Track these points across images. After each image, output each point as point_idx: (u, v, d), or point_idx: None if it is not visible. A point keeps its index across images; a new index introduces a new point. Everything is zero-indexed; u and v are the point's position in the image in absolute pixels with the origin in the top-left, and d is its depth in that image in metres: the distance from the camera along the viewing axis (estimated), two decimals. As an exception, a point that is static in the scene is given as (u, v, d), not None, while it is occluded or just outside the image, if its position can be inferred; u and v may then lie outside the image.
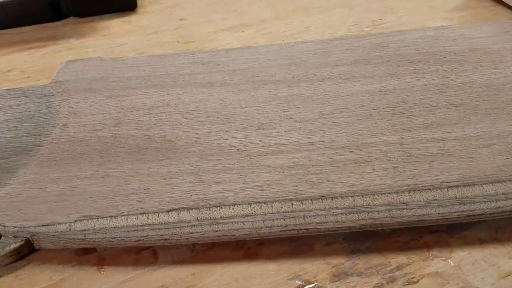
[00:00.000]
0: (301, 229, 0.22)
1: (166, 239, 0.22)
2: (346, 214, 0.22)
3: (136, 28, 0.45)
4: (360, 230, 0.23)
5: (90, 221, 0.23)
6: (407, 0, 0.45)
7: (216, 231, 0.22)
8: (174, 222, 0.22)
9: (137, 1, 0.49)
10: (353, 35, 0.39)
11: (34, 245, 0.23)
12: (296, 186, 0.23)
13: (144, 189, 0.24)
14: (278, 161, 0.25)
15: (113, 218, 0.23)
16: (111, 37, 0.43)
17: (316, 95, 0.30)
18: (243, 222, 0.22)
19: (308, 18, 0.44)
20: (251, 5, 0.47)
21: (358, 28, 0.41)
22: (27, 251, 0.23)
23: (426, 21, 0.42)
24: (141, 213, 0.23)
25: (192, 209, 0.23)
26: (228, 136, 0.27)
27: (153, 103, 0.31)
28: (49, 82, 0.34)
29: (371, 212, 0.22)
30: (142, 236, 0.22)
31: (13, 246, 0.22)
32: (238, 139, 0.27)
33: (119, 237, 0.22)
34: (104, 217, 0.23)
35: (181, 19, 0.46)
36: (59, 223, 0.22)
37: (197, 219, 0.22)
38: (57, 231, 0.22)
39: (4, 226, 0.23)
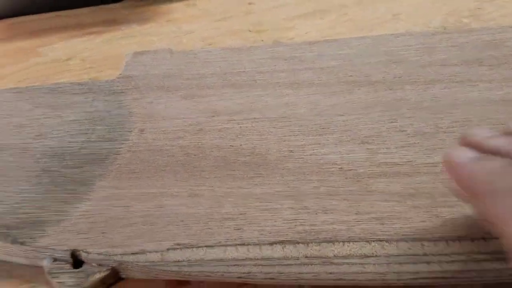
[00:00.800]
0: (437, 277, 0.18)
1: (272, 278, 0.19)
2: (491, 261, 0.18)
3: (202, 13, 0.41)
4: (510, 281, 0.19)
5: (184, 251, 0.20)
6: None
7: (331, 273, 0.19)
8: (279, 258, 0.19)
9: (200, -18, 0.45)
10: (455, 29, 0.34)
11: (121, 274, 0.20)
12: (425, 222, 0.20)
13: (240, 214, 0.21)
14: (394, 187, 0.21)
15: (209, 248, 0.20)
16: (176, 23, 0.40)
17: (426, 101, 0.26)
18: (362, 264, 0.19)
19: (395, 4, 0.39)
20: None
21: (455, 19, 0.36)
22: (113, 280, 0.21)
23: (535, 11, 0.37)
24: (240, 244, 0.20)
25: (298, 243, 0.20)
26: (327, 151, 0.24)
27: (234, 107, 0.27)
28: (116, 76, 0.31)
29: (520, 258, 0.18)
30: (244, 273, 0.19)
31: (98, 276, 0.20)
32: (339, 155, 0.24)
33: (218, 271, 0.19)
34: (200, 247, 0.20)
35: (250, 3, 0.42)
36: (149, 252, 0.20)
37: (306, 257, 0.19)
38: (148, 261, 0.20)
39: (87, 252, 0.20)
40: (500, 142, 0.17)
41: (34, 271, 0.22)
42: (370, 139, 0.24)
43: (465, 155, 0.17)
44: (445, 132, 0.24)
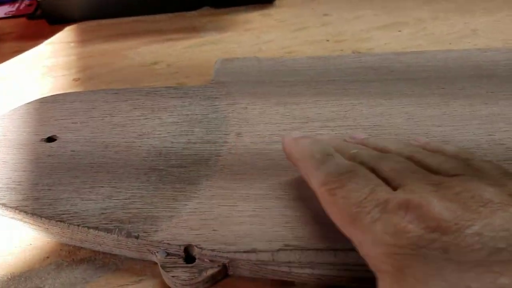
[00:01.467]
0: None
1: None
2: None
3: (278, 23, 0.42)
4: None
5: (294, 252, 0.20)
6: None
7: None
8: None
9: (275, -7, 0.46)
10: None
11: (229, 271, 0.21)
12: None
13: (346, 218, 0.22)
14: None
15: (319, 251, 0.20)
16: (254, 32, 0.41)
17: (527, 116, 0.26)
18: None
19: (472, 20, 0.39)
20: (402, 1, 0.43)
21: (538, 35, 0.36)
22: (220, 277, 0.21)
23: None
24: (350, 249, 0.20)
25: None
26: (428, 161, 0.24)
27: (327, 114, 0.28)
28: (203, 82, 0.33)
29: None
30: (354, 277, 0.20)
31: (211, 271, 0.21)
32: (440, 165, 0.24)
33: (329, 275, 0.20)
34: (310, 250, 0.20)
35: (325, 14, 0.43)
36: (261, 251, 0.20)
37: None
38: (259, 260, 0.20)
39: (201, 248, 0.21)
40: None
41: (142, 265, 0.23)
42: (472, 150, 0.24)
43: (296, 133, 0.23)
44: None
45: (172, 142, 0.27)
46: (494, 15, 0.39)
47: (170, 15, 0.46)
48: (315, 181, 0.19)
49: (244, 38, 0.41)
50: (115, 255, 0.23)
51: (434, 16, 0.40)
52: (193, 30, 0.43)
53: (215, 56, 0.37)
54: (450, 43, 0.36)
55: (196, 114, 0.29)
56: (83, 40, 0.42)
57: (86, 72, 0.39)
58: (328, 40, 0.39)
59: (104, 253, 0.23)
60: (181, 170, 0.25)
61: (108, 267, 0.23)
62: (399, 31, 0.39)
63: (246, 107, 0.29)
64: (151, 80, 0.37)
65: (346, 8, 0.43)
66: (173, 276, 0.21)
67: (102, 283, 0.22)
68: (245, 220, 0.22)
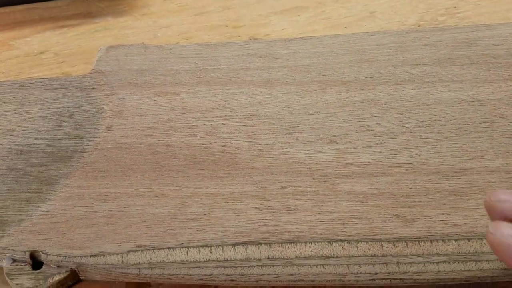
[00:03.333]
0: (394, 278, 0.19)
1: (232, 280, 0.19)
2: (449, 262, 0.19)
3: (179, 7, 0.40)
4: (466, 282, 0.19)
5: (145, 253, 0.19)
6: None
7: (291, 275, 0.19)
8: (241, 260, 0.19)
9: (179, -25, 0.44)
10: (429, 27, 0.34)
11: (80, 275, 0.20)
12: (385, 222, 0.20)
13: (205, 214, 0.21)
14: (358, 187, 0.21)
15: (171, 250, 0.19)
16: (152, 17, 0.39)
17: (396, 101, 0.26)
18: (323, 265, 0.19)
19: (371, 2, 0.39)
20: None
21: (431, 17, 0.36)
22: (71, 282, 0.20)
23: (510, 11, 0.37)
24: (203, 246, 0.20)
25: (261, 244, 0.20)
26: (296, 150, 0.24)
27: (206, 104, 0.27)
28: (88, 71, 0.31)
29: (479, 261, 0.19)
30: (205, 275, 0.19)
31: (57, 278, 0.20)
32: (307, 155, 0.23)
33: (179, 274, 0.19)
34: (162, 249, 0.20)
35: (227, -2, 0.41)
36: (109, 254, 0.19)
37: (268, 258, 0.19)
38: (108, 263, 0.19)
39: (47, 254, 0.20)
40: None
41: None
42: (338, 138, 0.24)
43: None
44: (411, 132, 0.24)
45: (36, 139, 0.25)
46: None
47: (67, 1, 0.43)
48: None
49: (140, 24, 0.39)
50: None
51: (335, -1, 0.40)
52: (89, 15, 0.40)
53: (106, 43, 0.35)
54: (345, 27, 0.36)
55: (68, 107, 0.28)
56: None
57: (-33, 63, 0.36)
58: (226, 26, 0.38)
59: None
60: (40, 169, 0.24)
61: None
62: (298, 15, 0.38)
63: (124, 98, 0.28)
64: (34, 71, 0.34)
65: (249, -8, 0.42)
66: (17, 284, 0.20)
67: None
68: (99, 222, 0.21)
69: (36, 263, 0.20)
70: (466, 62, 0.28)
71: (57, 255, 0.20)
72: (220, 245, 0.20)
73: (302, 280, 0.19)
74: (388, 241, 0.19)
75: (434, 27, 0.33)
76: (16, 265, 0.20)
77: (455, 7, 0.37)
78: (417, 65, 0.29)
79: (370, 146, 0.24)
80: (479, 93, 0.26)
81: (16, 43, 0.38)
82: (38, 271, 0.20)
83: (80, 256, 0.20)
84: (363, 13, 0.38)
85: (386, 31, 0.33)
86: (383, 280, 0.19)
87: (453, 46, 0.30)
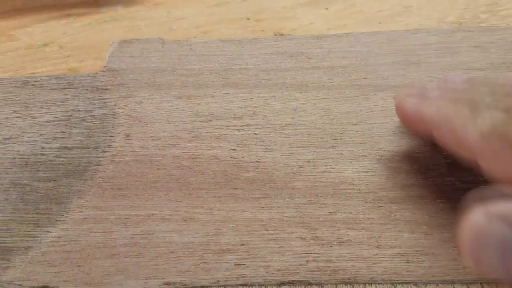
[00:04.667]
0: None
1: (279, 326, 0.16)
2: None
3: (195, -4, 0.37)
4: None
5: (175, 293, 0.17)
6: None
7: (349, 321, 0.16)
8: (288, 302, 0.16)
9: (194, -38, 0.40)
10: (475, 26, 0.31)
11: (98, 315, 0.17)
12: (456, 259, 0.17)
13: (242, 244, 0.18)
14: (420, 215, 0.19)
15: (205, 289, 0.17)
16: (165, 7, 0.36)
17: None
18: (386, 311, 0.16)
19: (407, -5, 0.35)
20: None
21: (472, 14, 0.33)
22: (89, 323, 0.17)
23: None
24: (242, 285, 0.17)
25: (312, 284, 0.17)
26: (342, 168, 0.21)
27: (235, 110, 0.24)
28: (98, 67, 0.28)
29: None
30: (246, 320, 0.16)
31: (72, 319, 0.17)
32: (355, 173, 0.21)
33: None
34: (195, 287, 0.17)
35: (247, -12, 0.38)
36: (134, 293, 0.17)
37: (320, 300, 0.16)
38: (132, 304, 0.17)
39: (60, 290, 0.17)
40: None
41: None
42: (389, 155, 0.21)
43: (411, 99, 0.20)
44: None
45: (43, 148, 0.22)
46: (428, -8, 0.36)
47: None
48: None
49: (153, 14, 0.35)
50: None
51: (366, -9, 0.37)
52: (96, 4, 0.37)
53: (116, 36, 0.32)
54: (380, 22, 0.33)
55: (79, 111, 0.24)
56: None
57: (-37, 55, 0.33)
58: (248, 19, 0.35)
59: None
60: (49, 185, 0.21)
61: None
62: (326, 8, 0.35)
63: (142, 101, 0.25)
64: (37, 66, 0.31)
65: (271, -19, 0.39)
66: (25, 326, 0.17)
67: None
68: (119, 251, 0.18)
69: (46, 300, 0.17)
70: (523, 67, 0.26)
71: (73, 293, 0.17)
72: (263, 285, 0.17)
73: (361, 329, 0.16)
74: (461, 284, 0.16)
75: (481, 27, 0.30)
76: (24, 303, 0.17)
77: (497, 3, 0.34)
78: (469, 69, 0.26)
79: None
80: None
81: (16, 34, 0.35)
82: (49, 311, 0.17)
83: (99, 295, 0.17)
84: (397, 7, 0.34)
85: (429, 29, 0.30)
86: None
87: (506, 49, 0.27)
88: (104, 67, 0.27)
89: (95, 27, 0.34)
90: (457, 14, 0.34)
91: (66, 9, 0.37)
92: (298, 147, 0.22)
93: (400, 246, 0.18)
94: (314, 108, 0.24)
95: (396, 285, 0.16)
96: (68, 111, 0.24)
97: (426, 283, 0.16)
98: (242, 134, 0.23)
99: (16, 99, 0.25)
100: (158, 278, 0.17)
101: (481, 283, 0.16)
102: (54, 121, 0.24)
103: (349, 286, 0.17)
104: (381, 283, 0.16)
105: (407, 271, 0.17)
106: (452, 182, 0.20)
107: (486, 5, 0.35)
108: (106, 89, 0.26)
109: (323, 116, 0.24)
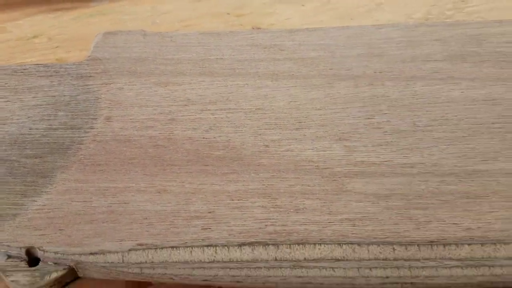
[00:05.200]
0: (405, 282, 0.18)
1: (238, 281, 0.18)
2: (462, 267, 0.18)
3: (179, -7, 0.39)
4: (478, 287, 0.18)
5: (147, 252, 0.19)
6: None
7: (300, 277, 0.18)
8: (248, 261, 0.18)
9: (179, -40, 0.42)
10: (439, 22, 0.33)
11: (78, 273, 0.19)
12: (397, 224, 0.19)
13: (209, 212, 0.20)
14: (370, 187, 0.21)
15: (174, 249, 0.19)
16: (150, 2, 0.38)
17: (406, 98, 0.25)
18: (332, 268, 0.18)
19: (379, -6, 0.38)
20: None
21: (438, 11, 0.35)
22: (69, 280, 0.19)
23: (520, 7, 0.36)
24: (207, 245, 0.19)
25: (268, 244, 0.19)
26: (304, 147, 0.23)
27: (210, 96, 0.26)
28: (85, 58, 0.30)
29: (492, 266, 0.18)
30: (210, 276, 0.18)
31: (55, 275, 0.19)
32: (315, 152, 0.23)
33: (182, 274, 0.18)
34: (164, 248, 0.19)
35: (230, -15, 0.40)
36: (110, 252, 0.19)
37: (276, 259, 0.18)
38: (108, 262, 0.19)
39: (44, 250, 0.19)
40: None
41: None
42: (347, 136, 0.23)
43: None
44: (422, 131, 0.23)
45: (31, 129, 0.24)
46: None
47: None
48: None
49: (137, 9, 0.37)
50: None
51: (341, -11, 0.39)
52: (84, -1, 0.39)
53: (103, 29, 0.34)
54: (351, 18, 0.35)
55: (64, 96, 0.26)
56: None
57: (-45, 46, 0.35)
58: (229, 14, 0.37)
59: None
60: (36, 161, 0.23)
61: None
62: (303, 5, 0.37)
63: (123, 88, 0.27)
64: (26, 56, 0.33)
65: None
66: (12, 281, 0.19)
67: None
68: (98, 218, 0.20)
69: (32, 259, 0.19)
70: (477, 59, 0.28)
71: (55, 252, 0.19)
72: (225, 245, 0.19)
73: (311, 283, 0.18)
74: (400, 244, 0.18)
75: (444, 22, 0.32)
76: (12, 261, 0.19)
77: (463, 1, 0.37)
78: (428, 61, 0.28)
79: (381, 145, 0.23)
80: (492, 92, 0.25)
81: (7, 26, 0.36)
82: (34, 268, 0.19)
83: (78, 254, 0.19)
84: (370, 4, 0.37)
85: (395, 24, 0.32)
86: (394, 285, 0.18)
87: (464, 42, 0.29)
88: (89, 56, 0.29)
89: (82, 20, 0.36)
90: (425, 11, 0.36)
91: (54, 3, 0.38)
92: (266, 129, 0.24)
93: (349, 212, 0.20)
94: (283, 95, 0.26)
95: (342, 245, 0.19)
96: (54, 96, 0.26)
97: (368, 244, 0.19)
98: (215, 118, 0.25)
99: (6, 85, 0.27)
100: (132, 240, 0.19)
101: (417, 245, 0.18)
102: (41, 105, 0.26)
103: (301, 246, 0.19)
104: (329, 244, 0.19)
105: (353, 233, 0.19)
106: (399, 162, 0.22)
107: (452, 3, 0.37)
108: (90, 76, 0.28)
109: (290, 102, 0.26)
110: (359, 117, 0.24)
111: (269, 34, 0.31)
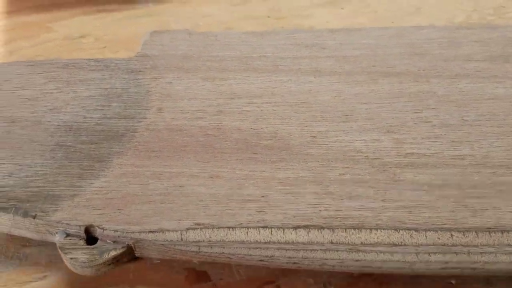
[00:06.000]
0: (465, 268, 0.18)
1: (295, 263, 0.19)
2: (521, 254, 0.18)
3: (219, -3, 0.40)
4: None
5: (204, 231, 0.19)
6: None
7: (357, 260, 0.18)
8: (303, 243, 0.19)
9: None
10: (479, 24, 0.33)
11: (135, 252, 0.20)
12: (453, 212, 0.19)
13: (262, 196, 0.20)
14: (422, 177, 0.21)
15: (231, 229, 0.19)
16: (192, 5, 0.39)
17: (452, 94, 0.26)
18: (390, 253, 0.18)
19: (418, -2, 0.38)
20: None
21: (479, 16, 0.36)
22: (127, 259, 0.20)
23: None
24: (263, 227, 0.19)
25: (324, 228, 0.19)
26: (351, 139, 0.23)
27: (255, 91, 0.27)
28: (133, 55, 0.31)
29: (552, 254, 0.18)
30: (266, 256, 0.19)
31: (113, 253, 0.19)
32: (364, 143, 0.23)
33: (239, 254, 0.19)
34: (221, 228, 0.19)
35: (267, -10, 0.41)
36: (168, 231, 0.19)
37: (332, 242, 0.19)
38: (167, 240, 0.19)
39: (103, 229, 0.19)
40: None
41: (47, 260, 0.22)
42: (395, 129, 0.24)
43: None
44: (471, 125, 0.23)
45: (85, 117, 0.25)
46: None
47: None
48: None
49: (181, 12, 0.38)
50: (18, 249, 0.22)
51: (378, -7, 0.40)
52: (129, 1, 0.40)
53: (147, 30, 0.35)
54: (392, 22, 0.36)
55: (116, 88, 0.27)
56: (8, 11, 0.39)
57: (6, 46, 0.36)
58: (269, 16, 0.38)
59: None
60: (91, 147, 0.23)
61: (9, 263, 0.22)
62: (342, 8, 0.38)
63: (171, 82, 0.28)
64: (75, 55, 0.34)
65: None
66: (71, 258, 0.19)
67: (1, 281, 0.21)
68: (155, 199, 0.20)
69: (90, 238, 0.20)
70: (520, 59, 0.28)
71: (114, 230, 0.19)
72: (281, 227, 0.19)
73: (369, 267, 0.18)
74: (458, 231, 0.18)
75: (484, 25, 0.33)
76: (70, 239, 0.20)
77: (504, 6, 0.37)
78: (470, 60, 0.28)
79: (430, 138, 0.23)
80: (538, 90, 0.25)
81: (54, 26, 0.38)
82: (93, 246, 0.19)
83: (138, 232, 0.19)
84: (409, 8, 0.37)
85: (435, 26, 0.32)
86: (454, 270, 0.18)
87: (504, 44, 0.29)
88: (138, 53, 0.30)
89: (128, 22, 0.38)
90: (465, 15, 0.36)
91: (100, 5, 0.40)
92: (312, 121, 0.24)
93: (403, 200, 0.20)
94: (327, 90, 0.27)
95: (399, 230, 0.19)
96: (106, 88, 0.27)
97: (426, 230, 0.19)
98: (261, 110, 0.25)
99: (59, 77, 0.28)
100: (189, 220, 0.19)
101: (475, 231, 0.18)
102: (94, 96, 0.27)
103: (357, 230, 0.19)
104: (386, 229, 0.19)
105: (409, 219, 0.19)
106: (450, 154, 0.22)
107: (493, 8, 0.37)
108: (140, 71, 0.29)
109: (335, 96, 0.26)
110: (407, 111, 0.25)
111: (310, 34, 0.32)
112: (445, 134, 0.23)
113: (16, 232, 0.21)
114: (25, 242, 0.23)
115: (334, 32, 0.32)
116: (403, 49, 0.29)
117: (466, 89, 0.26)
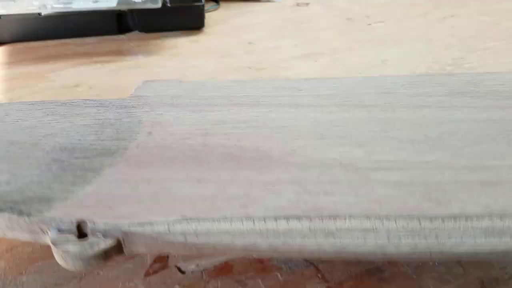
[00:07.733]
0: (434, 251, 0.19)
1: (275, 249, 0.20)
2: (485, 237, 0.19)
3: (205, 49, 0.45)
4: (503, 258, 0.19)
5: (191, 222, 0.20)
6: (489, 38, 0.45)
7: (333, 245, 0.19)
8: (283, 230, 0.20)
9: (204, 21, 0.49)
10: (439, 73, 0.38)
11: (124, 248, 0.20)
12: (420, 204, 0.21)
13: (245, 194, 0.22)
14: (391, 177, 0.23)
15: (215, 221, 0.20)
16: (180, 57, 0.43)
17: (416, 119, 0.28)
18: (364, 237, 0.19)
19: (384, 51, 0.43)
20: (321, 32, 0.48)
21: (439, 66, 0.40)
22: (115, 254, 0.20)
23: (514, 64, 0.41)
24: (246, 218, 0.20)
25: (302, 217, 0.20)
26: (327, 151, 0.25)
27: (239, 118, 0.29)
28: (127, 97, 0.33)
29: (513, 235, 0.19)
30: (250, 244, 0.20)
31: (103, 246, 0.20)
32: (338, 154, 0.25)
33: (224, 243, 0.20)
34: (207, 220, 0.20)
35: (250, 43, 0.46)
36: (156, 223, 0.20)
37: (309, 229, 0.20)
38: (155, 231, 0.20)
39: (94, 223, 0.20)
40: None
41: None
42: (366, 143, 0.26)
43: None
44: (434, 140, 0.26)
45: (80, 140, 0.27)
46: (403, 47, 0.44)
47: (99, 38, 0.48)
48: None
49: (169, 63, 0.42)
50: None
51: (349, 46, 0.44)
52: (120, 53, 0.44)
53: (138, 79, 0.38)
54: (360, 73, 0.40)
55: (110, 119, 0.30)
56: (9, 62, 0.42)
57: (7, 94, 0.39)
58: (250, 68, 0.42)
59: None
60: (85, 161, 0.25)
61: None
62: (315, 61, 0.42)
63: (162, 113, 0.30)
64: (72, 100, 0.37)
65: (270, 38, 0.47)
66: (63, 251, 0.20)
67: None
68: (145, 199, 0.22)
69: (82, 233, 0.20)
70: (475, 95, 0.31)
71: (104, 224, 0.20)
72: (262, 218, 0.20)
73: (345, 252, 0.19)
74: (425, 218, 0.20)
75: (442, 73, 0.37)
76: (62, 234, 0.20)
77: (462, 58, 0.42)
78: (431, 96, 0.32)
79: (397, 149, 0.25)
80: (492, 115, 0.29)
81: (51, 76, 0.41)
82: (83, 239, 0.20)
83: (127, 225, 0.20)
84: (375, 61, 0.42)
85: (399, 75, 0.36)
86: (423, 254, 0.19)
87: (462, 84, 0.33)
88: (131, 94, 0.33)
89: (120, 72, 0.41)
90: (426, 66, 0.41)
91: (94, 56, 0.44)
92: (292, 139, 0.27)
93: (375, 195, 0.21)
94: (304, 117, 0.29)
95: (371, 218, 0.20)
96: (101, 119, 0.30)
97: (396, 218, 0.20)
98: (245, 132, 0.28)
99: (56, 112, 0.31)
100: (176, 214, 0.20)
101: (441, 218, 0.20)
102: (89, 125, 0.29)
103: (332, 218, 0.20)
104: (358, 217, 0.20)
105: (380, 210, 0.20)
106: (416, 160, 0.24)
107: (452, 59, 0.42)
108: (133, 107, 0.31)
109: (312, 122, 0.29)
110: (375, 131, 0.27)
111: (288, 81, 0.35)
112: (410, 147, 0.25)
113: (10, 234, 0.21)
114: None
115: (309, 80, 0.35)
116: (371, 90, 0.33)
117: (428, 116, 0.29)
